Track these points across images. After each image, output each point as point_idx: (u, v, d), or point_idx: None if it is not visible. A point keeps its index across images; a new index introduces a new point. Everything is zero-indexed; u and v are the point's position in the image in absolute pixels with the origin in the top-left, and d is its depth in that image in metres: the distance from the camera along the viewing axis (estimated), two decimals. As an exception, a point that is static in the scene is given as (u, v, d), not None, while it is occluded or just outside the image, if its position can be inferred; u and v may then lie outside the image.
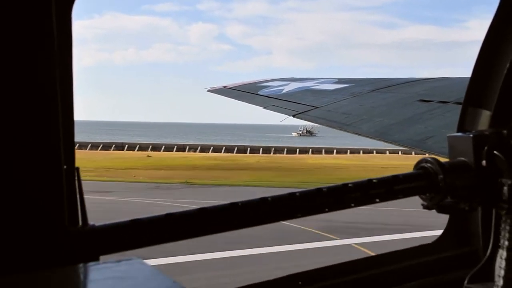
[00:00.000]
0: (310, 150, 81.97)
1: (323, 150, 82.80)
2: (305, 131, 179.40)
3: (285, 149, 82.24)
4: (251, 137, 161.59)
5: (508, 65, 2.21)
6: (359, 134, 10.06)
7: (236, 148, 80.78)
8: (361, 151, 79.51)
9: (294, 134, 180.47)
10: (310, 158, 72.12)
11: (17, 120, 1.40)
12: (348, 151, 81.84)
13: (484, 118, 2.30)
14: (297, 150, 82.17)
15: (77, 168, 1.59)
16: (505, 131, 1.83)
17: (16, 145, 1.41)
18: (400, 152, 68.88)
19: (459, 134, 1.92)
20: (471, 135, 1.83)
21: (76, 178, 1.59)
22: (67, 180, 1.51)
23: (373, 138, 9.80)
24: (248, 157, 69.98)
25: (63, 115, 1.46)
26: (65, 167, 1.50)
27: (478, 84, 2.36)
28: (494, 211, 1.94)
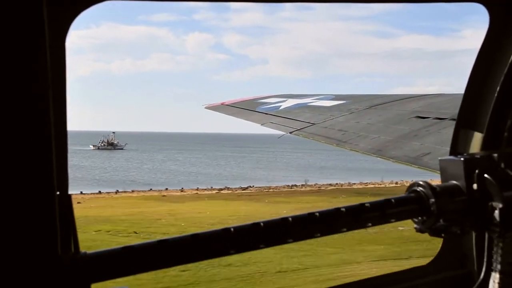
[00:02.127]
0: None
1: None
2: (105, 143, 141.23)
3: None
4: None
5: (498, 87, 2.23)
6: (356, 151, 10.09)
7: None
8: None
9: (91, 147, 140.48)
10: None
11: (10, 145, 1.40)
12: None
13: (476, 141, 2.31)
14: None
15: (70, 195, 1.59)
16: (495, 155, 1.84)
17: (8, 171, 1.40)
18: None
19: (451, 157, 1.92)
20: (462, 159, 1.84)
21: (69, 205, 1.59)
22: (60, 207, 1.50)
23: (370, 155, 9.81)
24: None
25: (56, 141, 1.46)
26: (58, 193, 1.50)
27: (469, 106, 2.38)
28: (486, 234, 1.95)
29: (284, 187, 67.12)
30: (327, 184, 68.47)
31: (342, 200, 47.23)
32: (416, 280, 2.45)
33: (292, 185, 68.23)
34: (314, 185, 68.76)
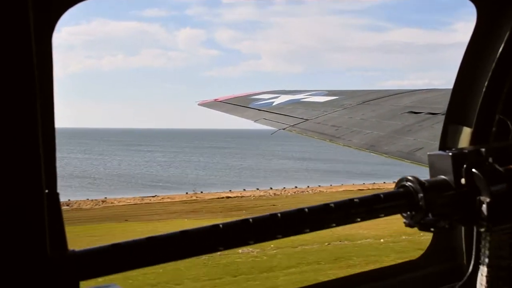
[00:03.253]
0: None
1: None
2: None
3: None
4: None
5: (486, 83, 2.25)
6: (350, 147, 10.11)
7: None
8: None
9: None
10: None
11: None
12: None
13: (465, 136, 2.33)
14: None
15: (58, 193, 1.59)
16: (483, 149, 1.86)
17: None
18: None
19: (439, 152, 1.94)
20: (450, 154, 1.85)
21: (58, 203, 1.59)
22: (48, 205, 1.50)
23: (364, 151, 9.84)
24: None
25: (44, 138, 1.46)
26: (46, 191, 1.50)
27: (458, 101, 2.39)
28: (475, 228, 1.96)
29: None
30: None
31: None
32: (407, 274, 2.47)
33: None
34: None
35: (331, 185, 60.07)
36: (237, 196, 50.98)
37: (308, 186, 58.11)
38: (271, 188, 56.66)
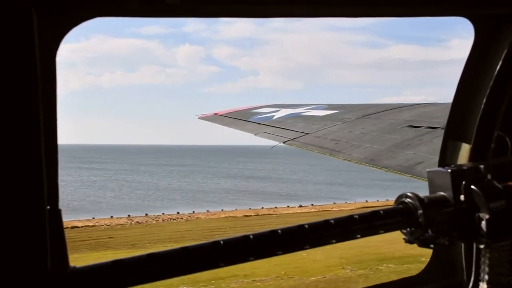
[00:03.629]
0: None
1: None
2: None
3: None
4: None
5: (484, 100, 2.26)
6: (349, 161, 10.12)
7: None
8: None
9: None
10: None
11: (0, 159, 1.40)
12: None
13: (464, 152, 2.33)
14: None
15: (59, 210, 1.59)
16: (482, 166, 1.87)
17: None
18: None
19: (438, 169, 1.95)
20: (449, 170, 1.86)
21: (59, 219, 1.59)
22: (50, 221, 1.51)
23: (364, 165, 9.85)
24: None
25: (47, 154, 1.47)
26: (48, 207, 1.50)
27: (457, 117, 2.40)
28: (474, 244, 1.97)
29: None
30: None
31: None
32: None
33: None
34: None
35: (222, 210, 53.45)
36: (87, 226, 43.20)
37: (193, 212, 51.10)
38: (146, 215, 48.81)
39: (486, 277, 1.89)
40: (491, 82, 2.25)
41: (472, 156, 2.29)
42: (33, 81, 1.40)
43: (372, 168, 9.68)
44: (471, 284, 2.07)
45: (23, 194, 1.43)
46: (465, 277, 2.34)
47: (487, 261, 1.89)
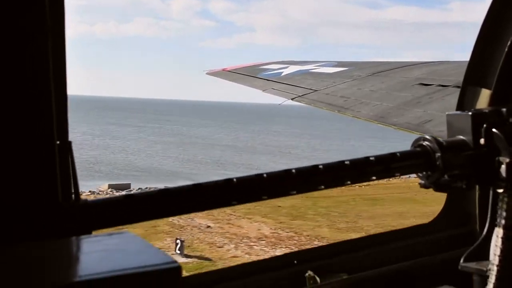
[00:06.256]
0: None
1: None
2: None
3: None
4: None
5: (509, 43, 2.19)
6: (358, 118, 10.04)
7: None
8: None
9: None
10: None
11: (7, 94, 1.38)
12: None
13: (483, 97, 2.28)
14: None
15: (70, 143, 1.58)
16: (504, 109, 1.82)
17: (7, 120, 1.39)
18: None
19: (458, 112, 1.90)
20: (470, 113, 1.81)
21: (69, 153, 1.58)
22: (60, 156, 1.50)
23: (372, 122, 9.78)
24: None
25: (56, 88, 1.45)
26: (58, 142, 1.49)
27: (478, 63, 2.34)
28: (491, 189, 1.94)
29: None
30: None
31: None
32: (418, 238, 2.45)
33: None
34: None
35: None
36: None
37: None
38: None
39: (503, 221, 1.86)
40: None
41: (492, 101, 2.24)
42: (41, 19, 1.39)
43: (380, 125, 9.61)
44: (485, 230, 2.05)
45: (32, 130, 1.42)
46: (477, 225, 2.32)
47: (504, 206, 1.85)
